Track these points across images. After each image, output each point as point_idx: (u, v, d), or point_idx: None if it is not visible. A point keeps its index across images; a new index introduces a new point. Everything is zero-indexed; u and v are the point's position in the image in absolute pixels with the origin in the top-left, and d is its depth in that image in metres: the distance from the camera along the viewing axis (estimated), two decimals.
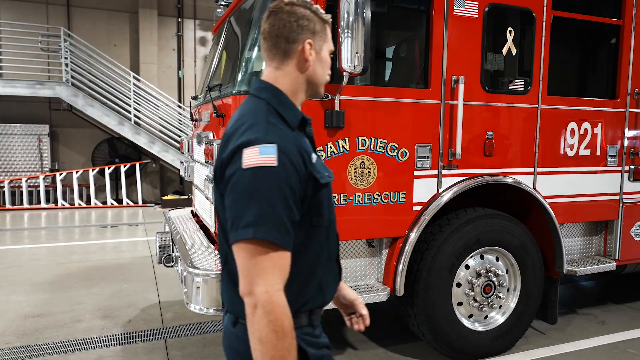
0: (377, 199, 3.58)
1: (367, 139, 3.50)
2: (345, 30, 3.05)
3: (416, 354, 4.08)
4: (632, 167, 4.57)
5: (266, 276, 1.27)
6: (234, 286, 1.40)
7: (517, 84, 4.01)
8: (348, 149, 3.45)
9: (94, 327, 4.61)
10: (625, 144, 4.50)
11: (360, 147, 3.48)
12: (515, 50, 3.94)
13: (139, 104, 13.52)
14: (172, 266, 4.28)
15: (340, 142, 3.42)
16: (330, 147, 3.40)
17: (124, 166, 13.15)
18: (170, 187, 15.24)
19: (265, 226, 1.28)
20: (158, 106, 13.99)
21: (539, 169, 4.13)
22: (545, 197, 4.16)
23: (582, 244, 4.69)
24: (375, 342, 4.34)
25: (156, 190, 14.97)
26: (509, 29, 3.90)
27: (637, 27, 4.42)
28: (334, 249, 1.69)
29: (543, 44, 4.01)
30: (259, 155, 1.31)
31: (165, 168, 14.86)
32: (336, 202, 3.44)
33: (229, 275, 1.49)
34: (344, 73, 3.14)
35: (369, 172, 3.52)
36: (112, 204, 13.02)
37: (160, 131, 13.82)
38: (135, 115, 13.32)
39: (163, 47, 15.00)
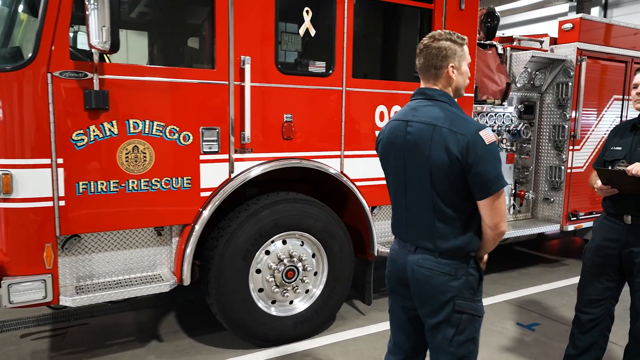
0: (157, 185, 3.39)
1: (139, 122, 3.28)
2: (91, 3, 2.81)
3: (222, 343, 3.98)
4: None
5: (506, 208, 2.39)
6: (454, 230, 2.13)
7: (318, 66, 3.95)
8: (116, 133, 3.22)
9: None
10: None
11: (132, 131, 3.27)
12: (314, 31, 3.86)
13: None
14: None
15: (106, 125, 3.19)
16: (94, 131, 3.15)
17: None
18: None
19: (504, 177, 2.08)
20: None
21: (346, 152, 4.12)
22: (354, 181, 4.16)
23: None
24: (187, 332, 4.21)
25: None
26: (306, 8, 3.81)
27: (447, 13, 4.49)
28: None
29: (346, 25, 3.96)
30: (490, 134, 2.03)
31: None
32: (104, 190, 3.22)
33: (447, 224, 2.13)
34: (93, 50, 2.90)
35: (145, 157, 3.32)
36: None
37: None
38: None
39: None
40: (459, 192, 2.09)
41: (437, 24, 4.46)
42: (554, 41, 5.86)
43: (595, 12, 13.18)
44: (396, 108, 4.31)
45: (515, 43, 5.78)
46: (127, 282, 3.45)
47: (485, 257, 2.30)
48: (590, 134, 5.83)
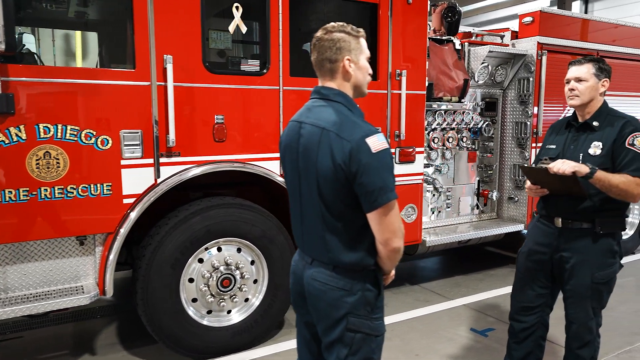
0: (73, 193, 3.21)
1: (51, 126, 3.11)
2: None
3: (156, 356, 3.81)
4: (398, 149, 4.53)
5: (400, 222, 1.94)
6: (344, 243, 1.95)
7: (251, 65, 3.78)
8: (25, 138, 3.04)
9: None
10: (389, 126, 4.44)
11: (43, 136, 3.09)
12: (245, 28, 3.69)
13: None
14: None
15: (13, 130, 3.01)
16: None
17: None
18: None
19: (394, 189, 1.87)
20: None
21: None
22: None
23: None
24: (124, 344, 4.04)
25: None
26: (236, 4, 3.63)
27: (394, 8, 4.32)
28: None
29: (281, 21, 3.78)
30: (379, 141, 1.83)
31: None
32: (13, 198, 3.05)
33: (337, 236, 1.96)
34: None
35: (58, 163, 3.15)
36: None
37: None
38: None
39: None
40: (346, 203, 1.92)
41: (383, 20, 4.30)
42: (515, 35, 5.70)
43: (576, 6, 13.03)
44: None
45: (474, 38, 5.61)
46: (45, 295, 3.28)
47: (392, 272, 2.13)
48: None
